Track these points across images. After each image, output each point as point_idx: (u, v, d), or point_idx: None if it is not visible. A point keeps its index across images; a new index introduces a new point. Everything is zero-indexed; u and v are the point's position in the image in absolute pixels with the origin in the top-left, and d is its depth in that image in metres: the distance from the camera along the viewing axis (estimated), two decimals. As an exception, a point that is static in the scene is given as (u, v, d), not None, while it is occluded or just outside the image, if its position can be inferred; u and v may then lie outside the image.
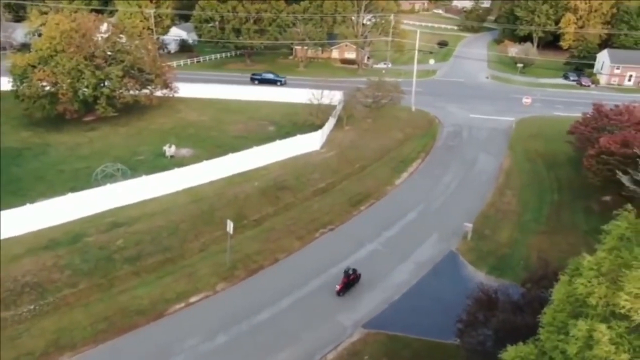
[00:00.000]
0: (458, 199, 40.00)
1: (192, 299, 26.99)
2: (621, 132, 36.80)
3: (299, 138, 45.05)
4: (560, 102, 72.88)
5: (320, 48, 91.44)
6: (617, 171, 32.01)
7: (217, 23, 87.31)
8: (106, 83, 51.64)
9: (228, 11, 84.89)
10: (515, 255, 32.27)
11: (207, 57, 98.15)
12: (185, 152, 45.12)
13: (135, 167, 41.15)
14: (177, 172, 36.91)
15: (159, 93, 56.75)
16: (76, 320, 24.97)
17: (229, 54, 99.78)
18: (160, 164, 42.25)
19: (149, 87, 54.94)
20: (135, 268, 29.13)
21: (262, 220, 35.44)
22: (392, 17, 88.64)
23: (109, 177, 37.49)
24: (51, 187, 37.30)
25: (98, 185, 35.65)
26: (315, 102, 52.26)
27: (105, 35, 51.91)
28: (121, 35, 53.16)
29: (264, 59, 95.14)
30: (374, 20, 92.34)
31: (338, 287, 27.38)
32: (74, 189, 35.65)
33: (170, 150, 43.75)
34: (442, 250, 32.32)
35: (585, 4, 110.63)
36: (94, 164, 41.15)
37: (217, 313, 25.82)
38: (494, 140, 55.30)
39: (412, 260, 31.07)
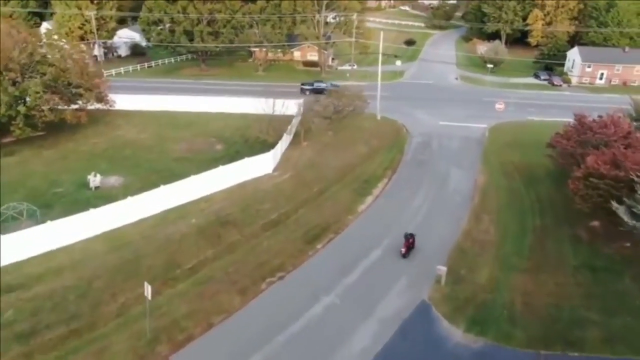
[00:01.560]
0: (430, 229, 34.93)
1: (96, 394, 21.08)
2: (609, 150, 32.37)
3: (247, 161, 39.06)
4: (533, 104, 69.19)
5: (280, 50, 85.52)
6: (613, 202, 27.41)
7: (166, 25, 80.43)
8: (27, 99, 44.68)
9: (178, 12, 78.07)
10: (498, 302, 27.36)
11: (160, 62, 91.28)
12: (114, 181, 38.75)
13: (50, 203, 34.80)
14: (94, 212, 30.54)
15: (91, 107, 49.96)
16: None
17: (184, 58, 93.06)
18: (82, 197, 35.94)
19: (79, 102, 48.09)
20: (28, 348, 22.88)
21: (198, 268, 29.57)
22: (354, 15, 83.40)
23: (12, 222, 30.97)
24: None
25: (-4, 232, 29.17)
26: (267, 114, 46.53)
27: (22, 45, 44.66)
28: (40, 44, 46.04)
29: (220, 62, 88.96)
30: (337, 19, 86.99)
31: (403, 250, 30.69)
32: (-30, 236, 29.29)
33: (95, 180, 37.27)
34: (411, 301, 27.11)
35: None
36: (2, 199, 34.51)
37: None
38: (466, 151, 50.72)
39: (376, 317, 25.78)
